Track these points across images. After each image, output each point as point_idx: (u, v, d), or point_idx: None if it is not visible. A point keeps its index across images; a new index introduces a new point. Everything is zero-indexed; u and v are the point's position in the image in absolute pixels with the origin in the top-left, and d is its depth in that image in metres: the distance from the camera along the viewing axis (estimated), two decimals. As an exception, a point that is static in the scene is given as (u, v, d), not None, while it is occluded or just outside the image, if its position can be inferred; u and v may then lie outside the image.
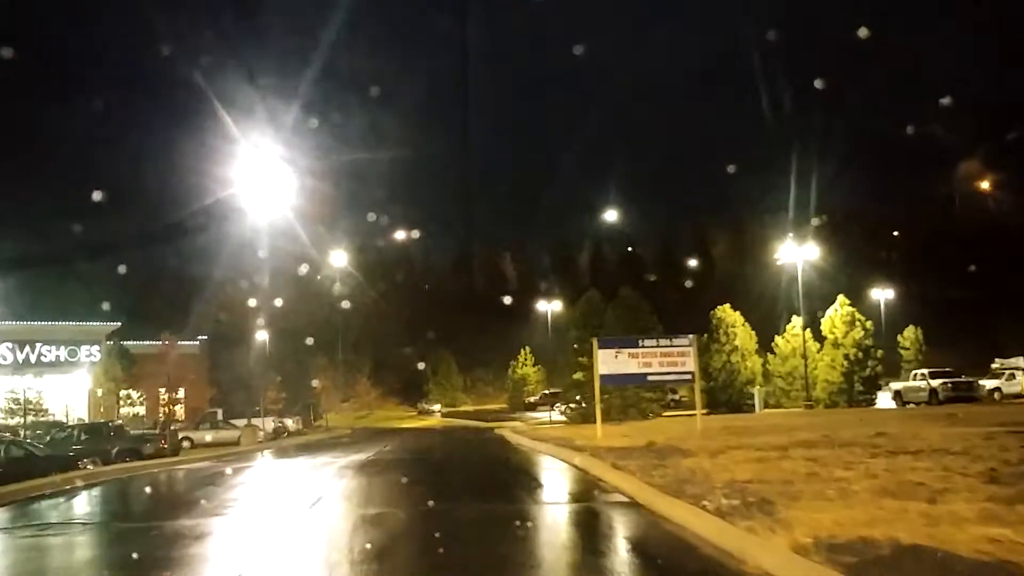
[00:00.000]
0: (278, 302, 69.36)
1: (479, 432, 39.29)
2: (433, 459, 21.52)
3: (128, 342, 62.22)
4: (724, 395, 45.22)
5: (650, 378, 22.89)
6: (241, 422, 43.14)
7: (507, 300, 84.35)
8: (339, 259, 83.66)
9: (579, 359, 38.49)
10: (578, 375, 39.00)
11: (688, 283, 73.35)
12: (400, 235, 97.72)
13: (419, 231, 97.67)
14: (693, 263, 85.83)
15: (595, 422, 36.94)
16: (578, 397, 40.48)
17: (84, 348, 60.62)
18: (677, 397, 49.29)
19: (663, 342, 22.65)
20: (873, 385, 45.54)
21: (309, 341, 63.81)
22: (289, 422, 47.29)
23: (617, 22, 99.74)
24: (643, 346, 22.47)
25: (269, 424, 43.48)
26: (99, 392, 57.25)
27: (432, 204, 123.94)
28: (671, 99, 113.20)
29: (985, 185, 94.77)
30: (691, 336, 23.29)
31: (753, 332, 46.98)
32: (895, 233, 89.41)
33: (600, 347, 22.39)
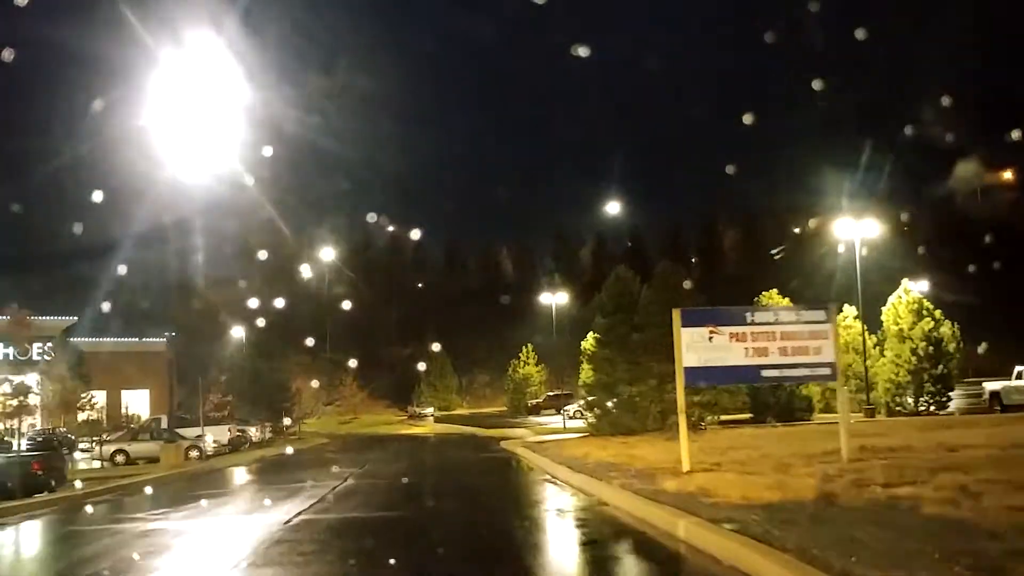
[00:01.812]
0: (254, 295, 60.70)
1: (481, 446, 29.77)
2: (414, 527, 10.98)
3: (86, 339, 54.33)
4: (772, 398, 35.81)
5: (766, 374, 13.64)
6: (195, 430, 34.14)
7: (505, 296, 75.47)
8: (324, 252, 75.00)
9: (604, 352, 29.25)
10: (597, 376, 29.64)
11: (700, 274, 64.60)
12: (390, 228, 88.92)
13: (411, 224, 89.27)
14: (704, 255, 77.02)
15: (632, 434, 27.87)
16: (588, 399, 31.26)
17: (36, 346, 52.33)
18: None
19: (785, 316, 13.56)
20: (946, 385, 36.59)
21: (285, 336, 55.05)
22: (252, 430, 38.07)
23: (624, 10, 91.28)
24: (754, 322, 13.37)
25: (224, 433, 34.33)
26: (49, 395, 48.84)
27: (426, 196, 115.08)
28: (675, 93, 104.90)
29: (1006, 179, 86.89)
30: (830, 304, 14.30)
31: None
32: (907, 229, 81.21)
33: (684, 324, 13.27)
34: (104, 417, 49.76)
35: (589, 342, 58.82)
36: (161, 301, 64.70)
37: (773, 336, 13.43)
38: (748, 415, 36.58)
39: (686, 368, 13.35)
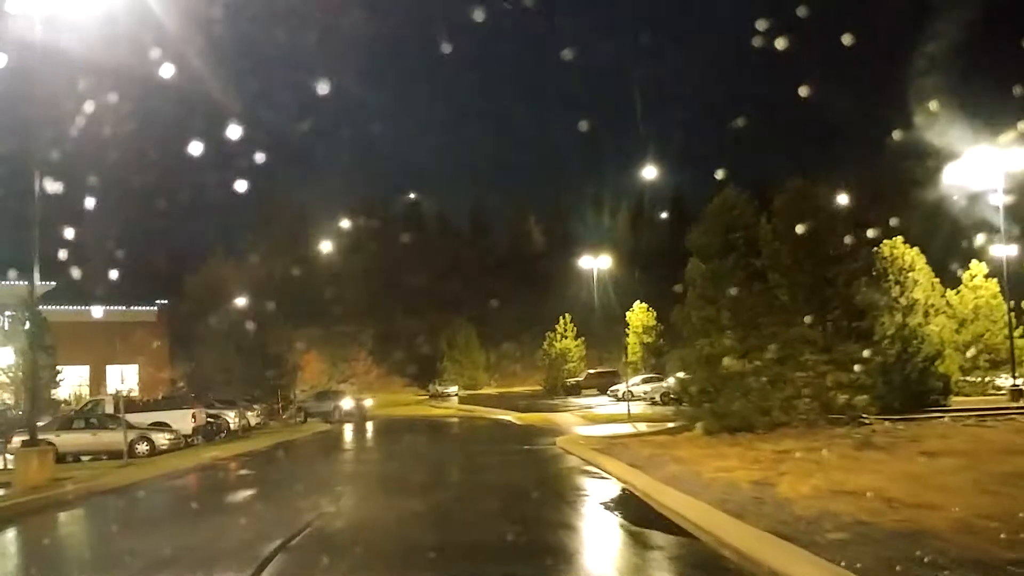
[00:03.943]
0: (261, 263, 52.36)
1: (528, 443, 20.36)
2: None
3: (63, 307, 46.45)
4: (897, 376, 25.55)
5: None
6: (158, 415, 25.37)
7: (537, 263, 66.45)
8: (341, 218, 66.22)
9: (705, 311, 19.47)
10: (696, 344, 19.81)
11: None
12: (412, 195, 79.96)
13: (434, 189, 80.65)
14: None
15: (749, 431, 18.26)
16: (680, 377, 21.89)
17: (8, 314, 44.57)
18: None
19: None
20: None
21: (292, 307, 46.21)
22: (230, 414, 29.17)
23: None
24: None
25: (187, 420, 25.44)
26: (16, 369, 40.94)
27: (450, 161, 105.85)
28: (716, 53, 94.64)
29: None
30: None
31: (937, 279, 27.72)
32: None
33: None
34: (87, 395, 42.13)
35: (636, 312, 49.50)
36: (155, 267, 56.48)
37: None
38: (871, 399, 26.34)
39: None
